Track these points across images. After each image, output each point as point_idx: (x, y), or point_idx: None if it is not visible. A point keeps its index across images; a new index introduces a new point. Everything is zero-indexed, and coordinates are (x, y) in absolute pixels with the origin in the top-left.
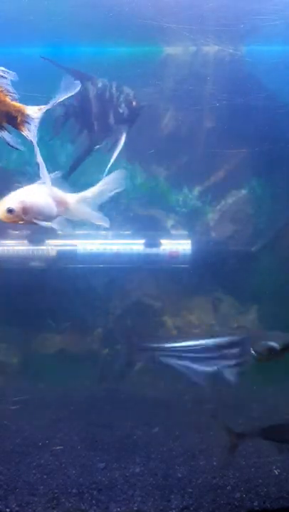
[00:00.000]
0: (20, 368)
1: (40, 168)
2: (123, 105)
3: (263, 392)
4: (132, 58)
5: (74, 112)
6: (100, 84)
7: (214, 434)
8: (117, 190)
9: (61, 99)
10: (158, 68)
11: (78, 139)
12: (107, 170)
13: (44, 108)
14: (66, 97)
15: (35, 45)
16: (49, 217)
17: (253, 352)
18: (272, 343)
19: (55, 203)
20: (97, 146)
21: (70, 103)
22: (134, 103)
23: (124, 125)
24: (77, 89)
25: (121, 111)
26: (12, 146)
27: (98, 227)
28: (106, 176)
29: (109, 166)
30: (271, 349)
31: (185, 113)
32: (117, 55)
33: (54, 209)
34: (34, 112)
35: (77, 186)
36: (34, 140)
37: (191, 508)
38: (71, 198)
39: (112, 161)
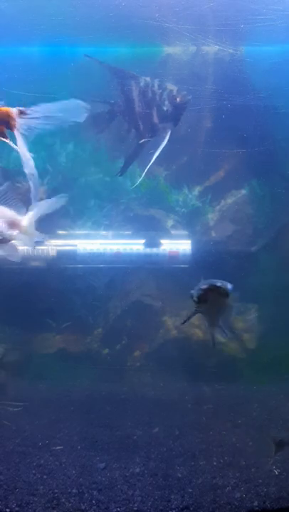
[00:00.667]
0: (20, 368)
1: (32, 185)
2: (167, 102)
3: (263, 392)
4: (132, 58)
5: (120, 110)
6: (142, 83)
7: (214, 434)
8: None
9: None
10: (158, 68)
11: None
12: (146, 169)
13: (26, 112)
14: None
15: (35, 45)
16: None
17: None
18: (192, 291)
19: (7, 226)
20: (143, 140)
21: (116, 102)
22: (178, 99)
23: (169, 123)
24: (83, 118)
25: (165, 108)
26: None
27: (98, 227)
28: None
29: (149, 165)
30: (191, 297)
31: (185, 113)
32: (117, 55)
33: (6, 232)
34: (17, 114)
35: (77, 186)
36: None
37: (191, 508)
38: (25, 221)
39: (153, 158)
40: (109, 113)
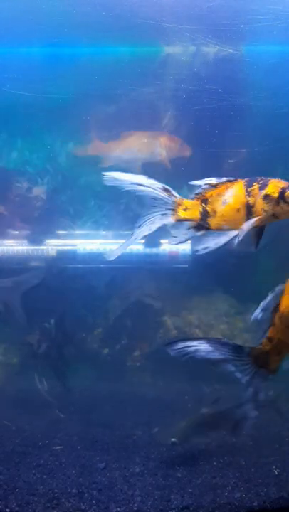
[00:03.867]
0: (20, 368)
1: None
2: None
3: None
4: (132, 58)
5: None
6: None
7: (214, 434)
8: None
9: None
10: (158, 68)
11: None
12: None
13: None
14: None
15: (35, 45)
16: None
17: None
18: None
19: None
20: None
21: None
22: None
23: None
24: None
25: None
26: None
27: (98, 227)
28: None
29: None
30: None
31: (185, 113)
32: (117, 55)
33: None
34: None
35: (77, 186)
36: None
37: (191, 508)
38: None
39: None
40: None
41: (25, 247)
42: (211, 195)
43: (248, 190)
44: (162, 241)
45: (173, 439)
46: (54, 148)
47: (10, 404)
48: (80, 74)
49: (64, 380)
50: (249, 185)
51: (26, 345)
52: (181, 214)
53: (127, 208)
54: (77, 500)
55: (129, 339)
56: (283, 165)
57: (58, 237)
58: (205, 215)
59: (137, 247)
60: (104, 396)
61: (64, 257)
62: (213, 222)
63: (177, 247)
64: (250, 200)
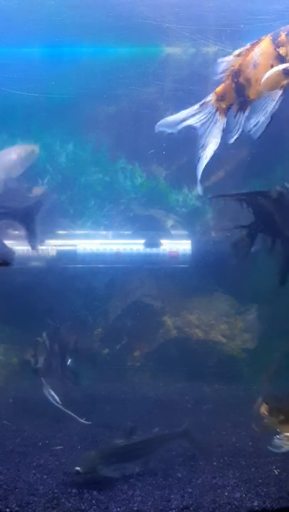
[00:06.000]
0: (20, 368)
1: None
2: None
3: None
4: (132, 58)
5: (261, 228)
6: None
7: (214, 434)
8: None
9: None
10: (158, 68)
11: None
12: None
13: None
14: None
15: (35, 45)
16: None
17: None
18: None
19: None
20: None
21: (256, 221)
22: None
23: None
24: None
25: None
26: None
27: (98, 227)
28: None
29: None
30: None
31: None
32: (117, 55)
33: None
34: None
35: (77, 186)
36: None
37: (191, 508)
38: None
39: None
40: (249, 237)
41: (25, 247)
42: (240, 64)
43: (276, 41)
44: (162, 241)
45: (77, 468)
46: (54, 148)
47: (10, 404)
48: (80, 74)
49: (76, 380)
50: (275, 37)
51: (24, 363)
52: (223, 104)
53: (127, 208)
54: (77, 500)
55: (129, 339)
56: (283, 165)
57: (58, 237)
58: (240, 89)
59: (137, 247)
60: (104, 396)
61: (64, 257)
62: (252, 92)
63: (177, 246)
64: (281, 50)
